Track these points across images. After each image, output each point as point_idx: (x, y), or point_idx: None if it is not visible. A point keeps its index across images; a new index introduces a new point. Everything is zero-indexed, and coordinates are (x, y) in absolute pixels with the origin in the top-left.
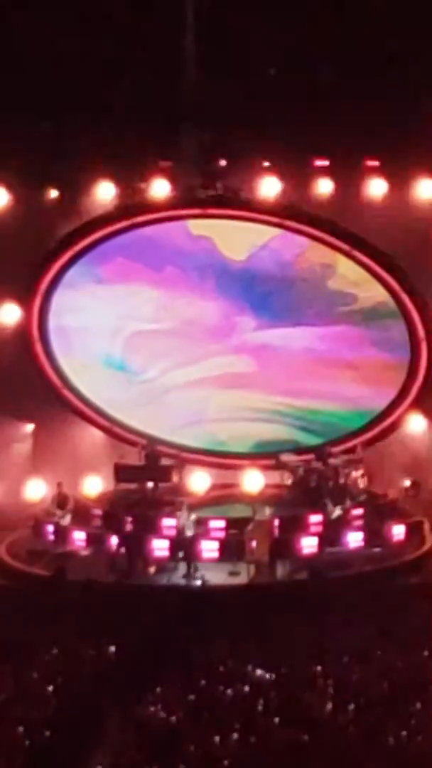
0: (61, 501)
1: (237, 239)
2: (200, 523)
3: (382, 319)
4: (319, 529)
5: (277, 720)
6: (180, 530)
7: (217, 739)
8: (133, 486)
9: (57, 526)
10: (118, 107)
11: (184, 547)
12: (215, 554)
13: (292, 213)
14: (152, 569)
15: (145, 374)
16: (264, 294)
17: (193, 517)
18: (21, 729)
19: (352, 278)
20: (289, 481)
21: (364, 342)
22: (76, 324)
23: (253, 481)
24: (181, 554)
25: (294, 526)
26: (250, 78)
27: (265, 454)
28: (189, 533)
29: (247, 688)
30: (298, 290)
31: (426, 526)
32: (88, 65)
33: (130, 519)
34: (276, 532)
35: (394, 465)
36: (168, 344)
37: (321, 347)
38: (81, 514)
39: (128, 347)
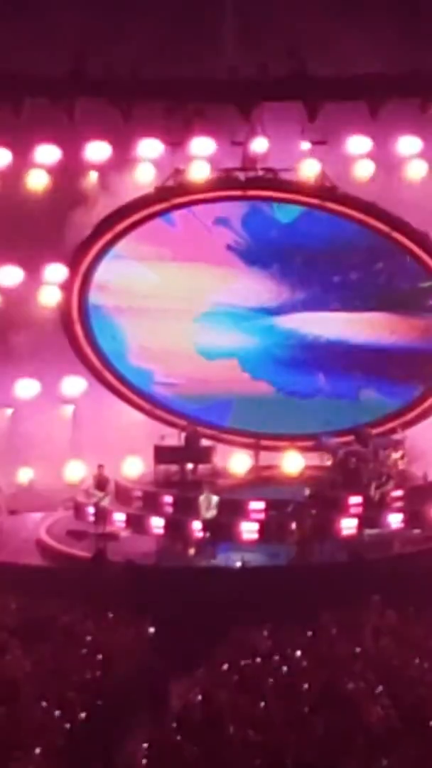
0: (101, 482)
1: None
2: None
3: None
4: (359, 510)
5: (315, 702)
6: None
7: (257, 719)
8: (173, 467)
9: (97, 507)
10: (157, 87)
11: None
12: (255, 536)
13: (332, 194)
14: (192, 550)
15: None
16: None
17: (215, 498)
18: (60, 710)
19: None
20: (328, 463)
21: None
22: (113, 303)
23: (293, 462)
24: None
25: (334, 507)
26: (292, 56)
27: (305, 436)
28: (210, 515)
29: (285, 669)
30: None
31: None
32: (129, 45)
33: (170, 500)
34: (316, 513)
35: None
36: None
37: (355, 336)
38: (121, 495)
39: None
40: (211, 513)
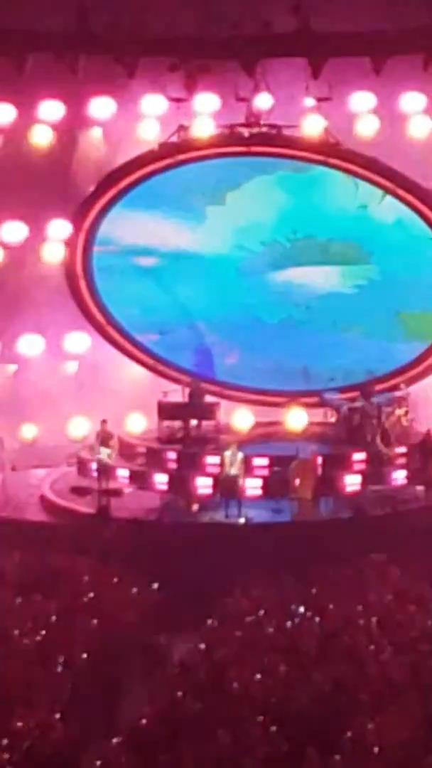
0: (104, 438)
1: None
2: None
3: None
4: (363, 467)
5: (318, 658)
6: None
7: (259, 676)
8: (176, 423)
9: (101, 463)
10: (160, 43)
11: (228, 485)
12: (259, 492)
13: (336, 151)
14: (195, 507)
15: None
16: None
17: (241, 455)
18: (62, 667)
19: None
20: (332, 419)
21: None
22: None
23: (296, 418)
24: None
25: (337, 463)
26: (296, 12)
27: (309, 392)
28: (234, 471)
29: (288, 624)
30: None
31: None
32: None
33: (173, 457)
34: (319, 469)
35: None
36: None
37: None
38: (124, 451)
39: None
40: (235, 469)
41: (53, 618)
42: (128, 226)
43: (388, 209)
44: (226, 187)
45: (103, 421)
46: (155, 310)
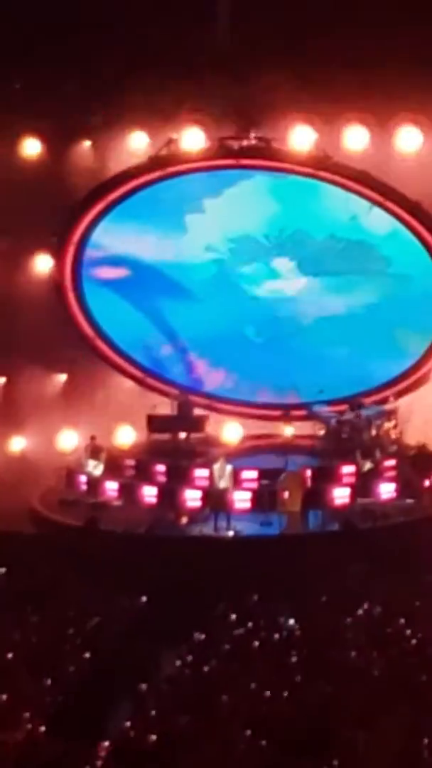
0: (93, 451)
1: None
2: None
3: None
4: (352, 480)
5: (307, 671)
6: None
7: (249, 688)
8: (165, 436)
9: (89, 476)
10: (151, 56)
11: (217, 498)
12: (247, 505)
13: (325, 164)
14: (184, 519)
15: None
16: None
17: (229, 468)
18: (49, 680)
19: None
20: (321, 432)
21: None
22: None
23: (284, 431)
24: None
25: (326, 476)
26: (285, 26)
27: (298, 405)
28: (223, 484)
29: (277, 637)
30: None
31: None
32: (120, 13)
33: (162, 469)
34: (308, 482)
35: (427, 415)
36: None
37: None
38: (113, 464)
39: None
40: (224, 482)
41: (42, 630)
42: (113, 239)
43: (381, 221)
44: (206, 194)
45: (92, 437)
46: (141, 324)
